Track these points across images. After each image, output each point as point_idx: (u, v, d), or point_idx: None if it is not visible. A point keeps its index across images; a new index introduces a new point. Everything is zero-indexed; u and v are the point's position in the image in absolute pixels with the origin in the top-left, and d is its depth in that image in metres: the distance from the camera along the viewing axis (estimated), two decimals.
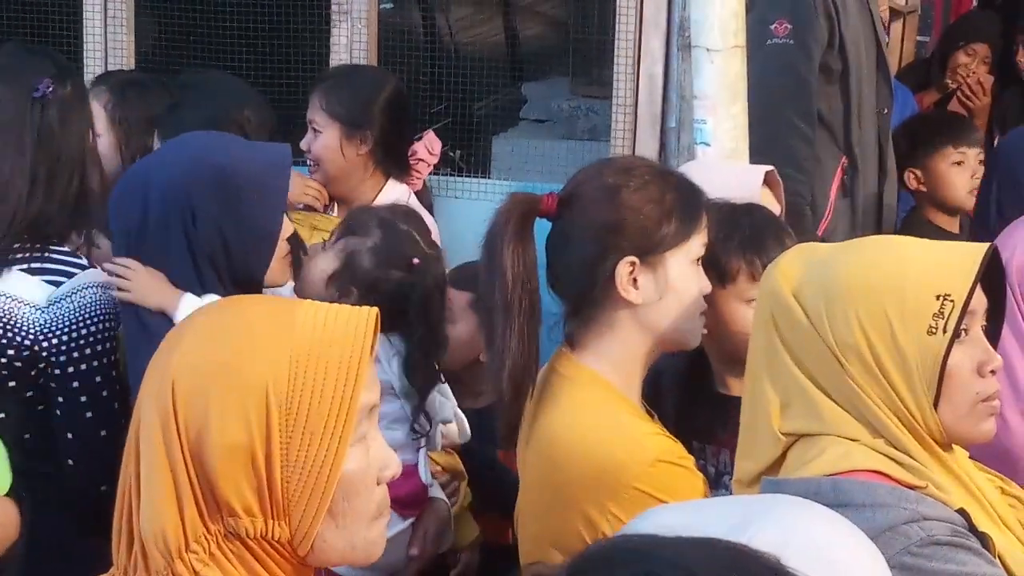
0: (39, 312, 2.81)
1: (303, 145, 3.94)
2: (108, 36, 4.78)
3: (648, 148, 4.31)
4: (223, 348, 1.64)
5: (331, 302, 1.77)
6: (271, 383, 1.61)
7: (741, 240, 2.75)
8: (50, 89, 2.93)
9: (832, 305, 2.08)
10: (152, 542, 1.61)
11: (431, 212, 4.04)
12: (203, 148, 2.88)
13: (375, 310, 1.70)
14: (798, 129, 4.18)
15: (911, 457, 2.06)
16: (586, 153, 3.62)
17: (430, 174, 4.38)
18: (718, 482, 2.73)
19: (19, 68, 2.97)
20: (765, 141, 3.84)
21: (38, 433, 2.80)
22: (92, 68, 4.73)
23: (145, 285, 2.81)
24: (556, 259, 2.55)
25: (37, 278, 2.83)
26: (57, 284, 2.83)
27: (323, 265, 2.99)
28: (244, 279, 2.83)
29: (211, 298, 2.70)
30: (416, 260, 2.96)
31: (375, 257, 2.97)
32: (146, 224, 2.81)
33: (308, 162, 3.99)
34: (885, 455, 2.06)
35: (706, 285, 2.56)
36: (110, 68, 4.68)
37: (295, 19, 5.24)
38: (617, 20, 4.39)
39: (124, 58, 4.76)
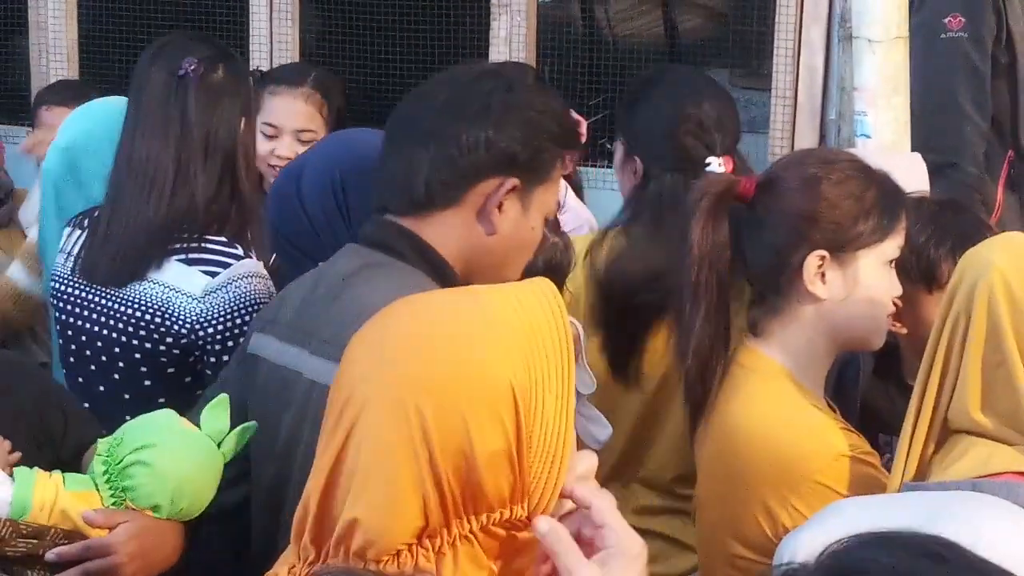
0: (195, 302, 2.85)
1: None
2: (274, 29, 4.87)
3: (807, 140, 4.28)
4: (461, 358, 1.61)
5: None
6: (515, 382, 1.60)
7: (952, 246, 2.68)
8: (193, 68, 2.90)
9: None
10: (373, 536, 1.60)
11: (579, 194, 4.00)
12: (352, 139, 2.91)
13: (544, 279, 1.68)
14: (972, 121, 4.15)
15: None
16: (745, 146, 3.58)
17: (588, 166, 4.39)
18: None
19: (174, 52, 2.95)
20: (936, 134, 3.81)
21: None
22: (257, 61, 4.83)
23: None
24: (747, 243, 2.52)
25: (194, 268, 2.86)
26: (213, 274, 2.87)
27: None
28: None
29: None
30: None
31: None
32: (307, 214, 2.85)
33: None
34: None
35: (896, 289, 2.50)
36: (275, 62, 4.77)
37: (455, 12, 5.29)
38: (777, 11, 4.36)
39: (289, 51, 4.85)
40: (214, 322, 2.86)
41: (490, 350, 1.61)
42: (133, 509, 2.28)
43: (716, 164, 2.70)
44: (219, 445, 2.33)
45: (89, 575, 2.24)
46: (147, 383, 2.90)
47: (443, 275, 2.29)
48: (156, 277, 2.87)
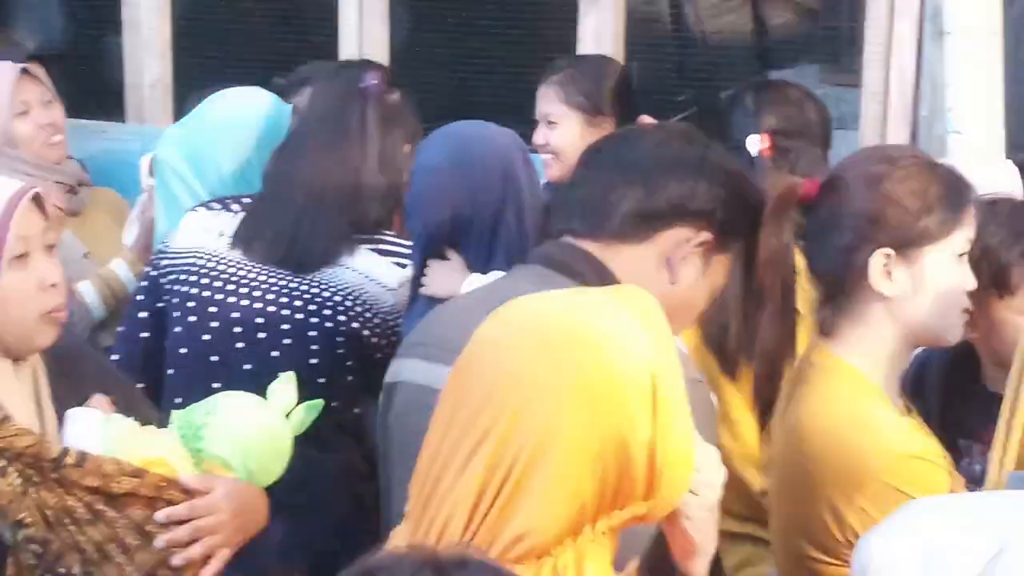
0: (390, 293, 2.96)
1: (539, 139, 3.97)
2: (363, 28, 4.90)
3: (898, 137, 4.24)
4: (613, 351, 1.64)
5: None
6: (656, 374, 1.65)
7: None
8: (375, 82, 3.07)
9: None
10: (525, 535, 1.62)
11: None
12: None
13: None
14: None
15: None
16: (835, 142, 3.57)
17: None
18: (984, 481, 2.67)
19: (355, 70, 3.16)
20: None
21: (344, 407, 2.94)
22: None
23: (439, 275, 2.93)
24: (813, 244, 2.53)
25: (386, 259, 2.98)
26: (403, 267, 2.97)
27: None
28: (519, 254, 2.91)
29: (496, 275, 2.77)
30: None
31: None
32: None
33: (544, 155, 4.02)
34: None
35: (969, 282, 2.48)
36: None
37: (543, 8, 5.30)
38: (867, 7, 4.33)
39: (379, 51, 4.88)
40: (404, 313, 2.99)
41: (632, 343, 1.64)
42: (217, 474, 2.40)
43: (754, 142, 2.73)
44: (288, 417, 2.48)
45: (199, 531, 2.35)
46: (312, 361, 3.00)
47: None
48: (350, 263, 3.00)
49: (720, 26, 6.51)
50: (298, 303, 3.00)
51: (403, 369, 2.39)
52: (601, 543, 1.67)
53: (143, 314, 3.15)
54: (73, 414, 2.38)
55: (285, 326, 3.00)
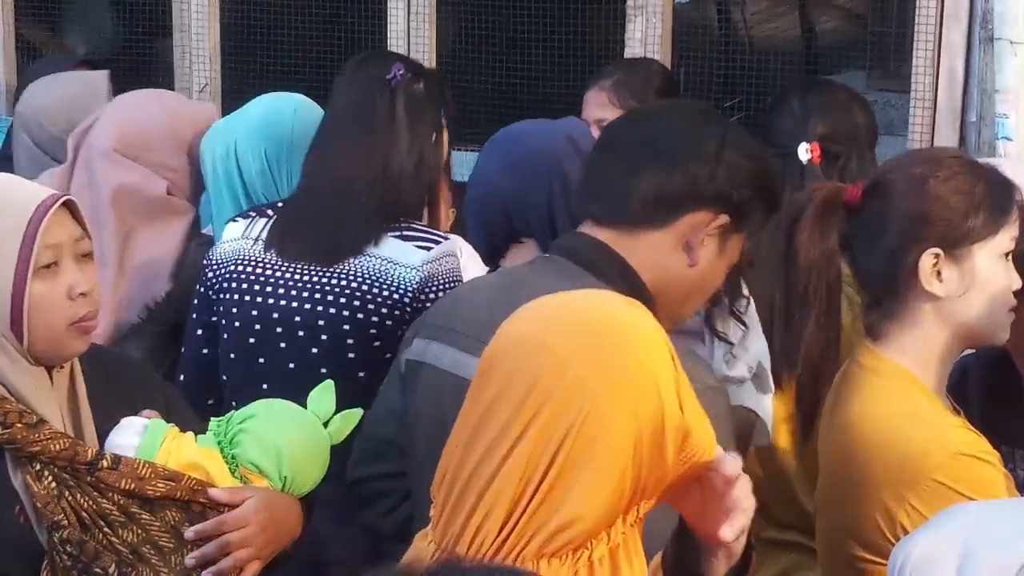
0: (414, 271, 2.97)
1: None
2: (411, 32, 4.92)
3: (947, 143, 4.22)
4: (641, 351, 1.68)
5: None
6: (676, 361, 1.70)
7: None
8: (401, 72, 3.07)
9: None
10: (569, 525, 1.64)
11: None
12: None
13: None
14: None
15: None
16: (883, 148, 3.55)
17: None
18: None
19: (379, 61, 3.15)
20: None
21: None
22: None
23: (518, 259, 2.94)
24: (859, 249, 2.53)
25: (409, 244, 3.00)
26: (428, 249, 2.99)
27: None
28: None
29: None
30: None
31: None
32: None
33: None
34: None
35: (1016, 281, 2.49)
36: None
37: (590, 13, 5.30)
38: (916, 12, 4.31)
39: (427, 54, 4.90)
40: (429, 292, 2.98)
41: (658, 335, 1.69)
42: (254, 484, 2.42)
43: (804, 150, 2.72)
44: (326, 426, 2.49)
45: (228, 545, 2.36)
46: (350, 355, 3.01)
47: (641, 298, 2.30)
48: (373, 251, 3.01)
49: (768, 31, 6.50)
50: (330, 298, 3.01)
51: (430, 351, 2.40)
52: (631, 535, 1.69)
53: (199, 331, 3.17)
54: (123, 423, 2.39)
55: (321, 322, 3.02)
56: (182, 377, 3.22)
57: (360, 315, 2.99)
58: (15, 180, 2.52)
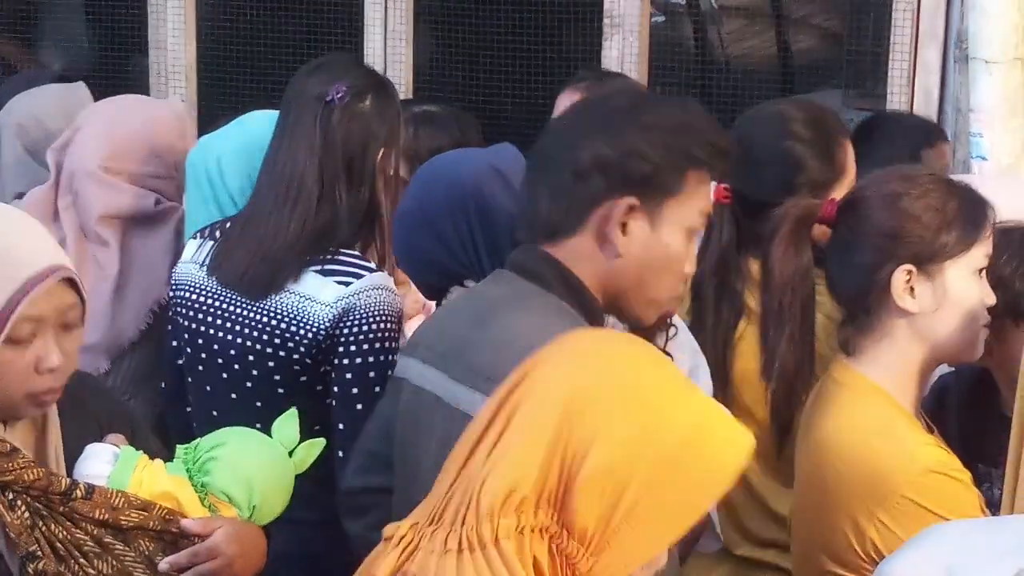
0: (327, 308, 2.94)
1: None
2: (388, 50, 4.92)
3: None
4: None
5: None
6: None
7: None
8: (340, 95, 3.01)
9: None
10: (492, 498, 1.70)
11: None
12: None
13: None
14: None
15: None
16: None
17: None
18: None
19: (327, 75, 3.06)
20: None
21: (325, 428, 2.91)
22: None
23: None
24: (834, 265, 2.54)
25: (329, 279, 2.96)
26: (347, 284, 2.95)
27: None
28: None
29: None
30: None
31: None
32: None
33: None
34: None
35: (989, 297, 2.50)
36: None
37: (567, 31, 5.31)
38: (892, 32, 4.33)
39: (403, 73, 4.90)
40: (343, 328, 2.94)
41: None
42: (222, 514, 2.40)
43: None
44: (291, 455, 2.49)
45: None
46: (280, 391, 2.99)
47: (583, 303, 2.30)
48: (293, 288, 2.98)
49: (744, 50, 6.52)
50: (255, 333, 3.00)
51: (406, 366, 2.42)
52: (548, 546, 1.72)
53: (175, 342, 3.17)
54: (90, 450, 2.37)
55: (251, 357, 3.00)
56: (163, 384, 3.25)
57: (282, 352, 2.97)
58: (16, 235, 2.32)
